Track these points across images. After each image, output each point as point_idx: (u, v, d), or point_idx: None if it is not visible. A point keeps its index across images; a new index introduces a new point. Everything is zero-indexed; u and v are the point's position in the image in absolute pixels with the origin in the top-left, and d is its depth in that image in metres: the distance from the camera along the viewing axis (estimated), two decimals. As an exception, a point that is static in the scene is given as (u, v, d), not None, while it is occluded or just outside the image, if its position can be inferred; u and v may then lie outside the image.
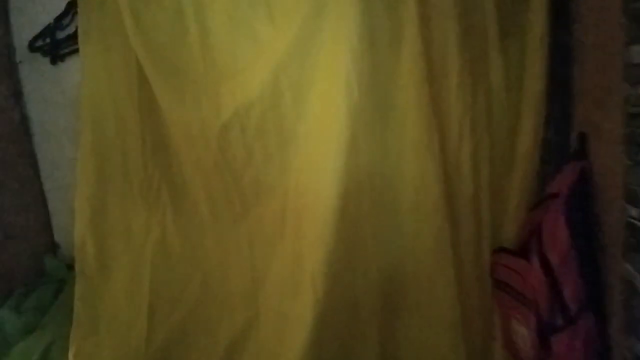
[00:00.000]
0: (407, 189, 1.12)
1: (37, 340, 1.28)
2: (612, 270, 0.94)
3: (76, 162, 1.28)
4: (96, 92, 1.27)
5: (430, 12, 1.07)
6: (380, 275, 1.14)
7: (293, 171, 1.17)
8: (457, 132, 1.11)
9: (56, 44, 1.47)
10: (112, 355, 1.22)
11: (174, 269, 1.23)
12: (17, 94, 1.53)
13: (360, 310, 1.14)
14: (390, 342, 1.15)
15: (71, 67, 1.48)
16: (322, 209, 1.10)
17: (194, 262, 1.23)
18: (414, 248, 1.14)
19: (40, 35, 1.47)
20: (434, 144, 1.10)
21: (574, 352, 0.95)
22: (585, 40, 1.07)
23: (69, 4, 1.43)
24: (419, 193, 1.12)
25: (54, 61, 1.50)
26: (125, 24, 1.21)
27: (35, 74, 1.53)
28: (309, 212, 1.13)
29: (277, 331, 1.13)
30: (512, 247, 1.14)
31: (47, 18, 1.47)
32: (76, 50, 1.37)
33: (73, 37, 1.40)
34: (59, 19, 1.45)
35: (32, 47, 1.49)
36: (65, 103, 1.50)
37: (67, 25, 1.46)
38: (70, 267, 1.35)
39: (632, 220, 0.85)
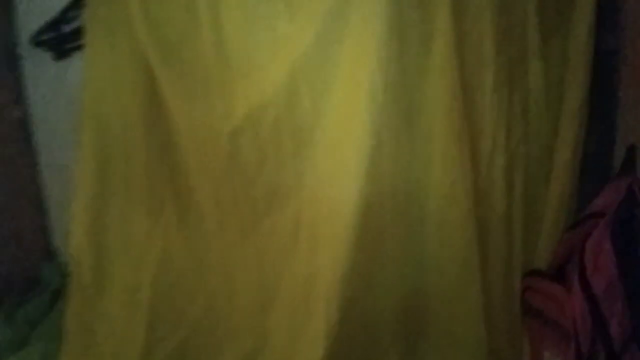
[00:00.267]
0: (433, 202, 1.05)
1: (29, 355, 1.20)
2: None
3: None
4: (99, 91, 1.19)
5: (466, 6, 0.99)
6: (402, 297, 1.07)
7: (309, 180, 1.08)
8: (491, 142, 1.03)
9: (62, 38, 1.40)
10: (106, 376, 1.13)
11: (177, 285, 1.14)
12: (18, 91, 1.47)
13: (380, 335, 1.05)
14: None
15: (77, 63, 1.38)
16: (340, 223, 1.02)
17: (199, 278, 1.15)
18: (439, 266, 1.06)
19: (45, 28, 1.40)
20: (465, 154, 1.02)
21: (617, 389, 0.86)
22: (635, 46, 0.99)
23: (75, -4, 1.36)
24: (446, 207, 1.04)
25: (58, 57, 1.43)
26: (133, 18, 1.13)
27: (38, 70, 1.46)
28: (326, 225, 1.05)
29: (285, 359, 1.04)
30: (547, 269, 1.06)
31: (53, 10, 1.40)
32: (82, 46, 1.29)
33: (80, 31, 1.30)
34: (65, 11, 1.38)
35: (36, 41, 1.41)
36: (69, 102, 1.39)
37: (74, 18, 1.39)
38: (69, 275, 1.24)
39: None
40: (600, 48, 1.04)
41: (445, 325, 1.08)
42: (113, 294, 1.15)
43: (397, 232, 1.05)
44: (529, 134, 1.04)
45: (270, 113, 1.08)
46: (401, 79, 1.01)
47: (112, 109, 1.19)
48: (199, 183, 1.15)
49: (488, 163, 1.03)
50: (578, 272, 0.92)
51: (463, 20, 0.99)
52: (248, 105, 1.08)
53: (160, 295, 1.14)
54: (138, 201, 1.17)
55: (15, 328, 1.28)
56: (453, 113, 1.01)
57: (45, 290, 1.39)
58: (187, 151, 1.15)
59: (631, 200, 0.93)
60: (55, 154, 1.48)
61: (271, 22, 1.08)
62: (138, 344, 1.12)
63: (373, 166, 1.01)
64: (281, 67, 1.07)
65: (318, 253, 1.05)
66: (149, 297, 1.13)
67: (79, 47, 1.35)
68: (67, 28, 1.40)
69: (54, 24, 1.40)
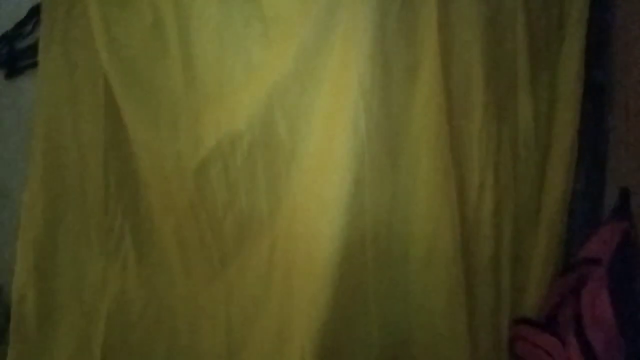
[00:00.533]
0: (417, 244, 0.98)
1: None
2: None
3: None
4: (54, 115, 1.09)
5: (453, 39, 0.95)
6: (384, 345, 0.98)
7: (283, 217, 1.01)
8: (478, 181, 0.98)
9: (14, 55, 1.29)
10: None
11: (134, 333, 1.03)
12: (-38, 111, 1.34)
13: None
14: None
15: (30, 83, 1.28)
16: (317, 265, 0.95)
17: (159, 325, 1.04)
18: (423, 312, 0.99)
19: (-5, 44, 1.30)
20: (451, 192, 0.96)
21: None
22: (626, 81, 0.96)
23: (31, 9, 1.26)
24: (430, 249, 0.98)
25: (10, 75, 1.31)
26: (93, 36, 1.05)
27: (-14, 89, 1.35)
28: (301, 268, 0.97)
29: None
30: (536, 317, 1.00)
31: (5, 25, 1.28)
32: (36, 64, 1.19)
33: (34, 48, 1.21)
34: (19, 26, 1.28)
35: (-15, 57, 1.31)
36: (20, 125, 1.29)
37: (29, 34, 1.28)
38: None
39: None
40: (589, 83, 1.00)
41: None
42: (61, 344, 1.03)
43: (378, 276, 0.98)
44: (518, 173, 0.99)
45: (243, 143, 1.00)
46: (385, 110, 0.96)
47: (67, 134, 1.09)
48: (161, 219, 1.06)
49: (476, 202, 0.98)
50: (574, 326, 0.85)
51: (451, 50, 0.95)
52: (218, 135, 1.01)
53: (115, 345, 1.02)
54: (93, 238, 1.06)
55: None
56: (439, 148, 0.96)
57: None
58: (149, 184, 1.05)
59: (627, 248, 0.88)
60: (4, 182, 1.34)
61: (246, 46, 1.01)
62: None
63: (354, 202, 0.95)
64: (256, 94, 1.00)
65: (293, 296, 0.97)
66: (102, 347, 1.01)
67: (32, 65, 1.25)
68: (20, 44, 1.29)
69: (6, 39, 1.29)
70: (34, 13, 1.25)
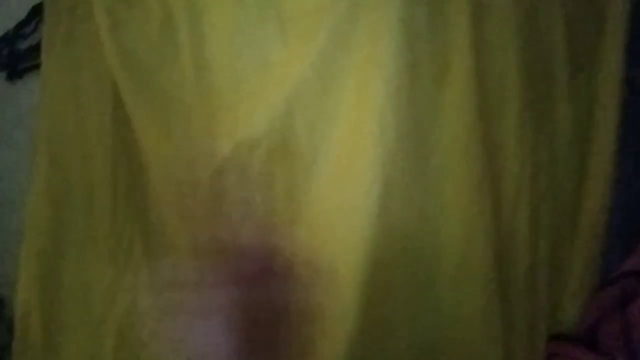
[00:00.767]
0: (448, 258, 0.92)
1: None
2: None
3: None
4: (58, 119, 1.04)
5: (487, 36, 0.89)
6: None
7: (304, 230, 0.95)
8: (514, 189, 0.91)
9: (15, 56, 1.24)
10: None
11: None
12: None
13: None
14: None
15: (32, 85, 1.22)
16: (342, 279, 0.89)
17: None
18: (455, 331, 0.93)
19: (-4, 44, 1.25)
20: (485, 202, 0.90)
21: None
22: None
23: (33, 8, 1.21)
24: (462, 263, 0.92)
25: (11, 77, 1.26)
26: (100, 37, 0.99)
27: (-13, 92, 1.29)
28: (324, 284, 0.91)
29: None
30: (574, 333, 0.94)
31: (6, 25, 1.24)
32: (38, 66, 1.14)
33: (36, 49, 1.17)
34: (19, 26, 1.23)
35: (-15, 58, 1.26)
36: (22, 129, 1.24)
37: (30, 34, 1.23)
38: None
39: None
40: (630, 83, 0.94)
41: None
42: (67, 360, 0.97)
43: (406, 293, 0.92)
44: (555, 180, 0.93)
45: (261, 150, 0.94)
46: (413, 113, 0.90)
47: (72, 139, 1.04)
48: (174, 228, 1.00)
49: (511, 212, 0.92)
50: (623, 345, 0.80)
51: (484, 49, 0.89)
52: (234, 141, 0.95)
53: (125, 362, 0.97)
54: (100, 250, 1.00)
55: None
56: (470, 155, 0.90)
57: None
58: (160, 192, 0.99)
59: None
60: (5, 191, 1.29)
61: (262, 45, 0.96)
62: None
63: (381, 212, 0.89)
64: (274, 98, 0.94)
65: (314, 319, 0.92)
66: (111, 366, 0.96)
67: (35, 67, 1.20)
68: (22, 45, 1.24)
69: (7, 40, 1.25)
70: (36, 12, 1.20)
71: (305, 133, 0.93)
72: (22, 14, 1.23)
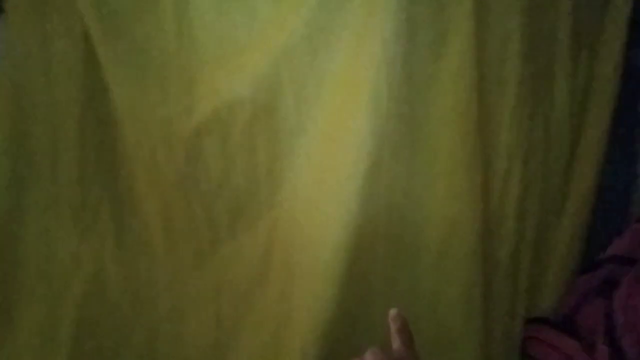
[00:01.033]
0: (433, 232, 0.90)
1: None
2: None
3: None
4: (23, 69, 0.95)
5: (489, 4, 0.85)
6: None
7: (285, 198, 0.91)
8: (506, 167, 0.89)
9: (-24, 0, 1.15)
10: None
11: (110, 319, 0.91)
12: None
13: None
14: None
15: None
16: (321, 254, 0.86)
17: (138, 312, 0.92)
18: (436, 310, 0.91)
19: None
20: (475, 181, 0.88)
21: None
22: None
23: (-3, -54, 1.11)
24: (447, 241, 0.89)
25: (-30, 23, 1.17)
26: None
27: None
28: (303, 256, 0.88)
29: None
30: (552, 317, 0.93)
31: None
32: (2, 10, 1.06)
33: None
34: (-19, -34, 1.13)
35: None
36: None
37: (-7, -24, 1.14)
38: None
39: None
40: (626, 65, 0.92)
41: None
42: (23, 333, 0.90)
43: (388, 270, 0.89)
44: (548, 161, 0.91)
45: (243, 112, 0.89)
46: (409, 81, 0.86)
47: (37, 93, 0.95)
48: (144, 193, 0.94)
49: (500, 192, 0.90)
50: (605, 331, 0.79)
51: (486, 17, 0.86)
52: (215, 101, 0.89)
53: (86, 335, 0.90)
54: (64, 213, 0.93)
55: None
56: (466, 126, 0.87)
57: None
58: (132, 153, 0.93)
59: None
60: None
61: (250, 1, 0.89)
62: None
63: (368, 185, 0.85)
64: (261, 58, 0.89)
65: (293, 289, 0.88)
66: (71, 337, 0.89)
67: (-2, 11, 1.12)
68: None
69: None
70: (1, -50, 1.12)
71: (292, 96, 0.88)
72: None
